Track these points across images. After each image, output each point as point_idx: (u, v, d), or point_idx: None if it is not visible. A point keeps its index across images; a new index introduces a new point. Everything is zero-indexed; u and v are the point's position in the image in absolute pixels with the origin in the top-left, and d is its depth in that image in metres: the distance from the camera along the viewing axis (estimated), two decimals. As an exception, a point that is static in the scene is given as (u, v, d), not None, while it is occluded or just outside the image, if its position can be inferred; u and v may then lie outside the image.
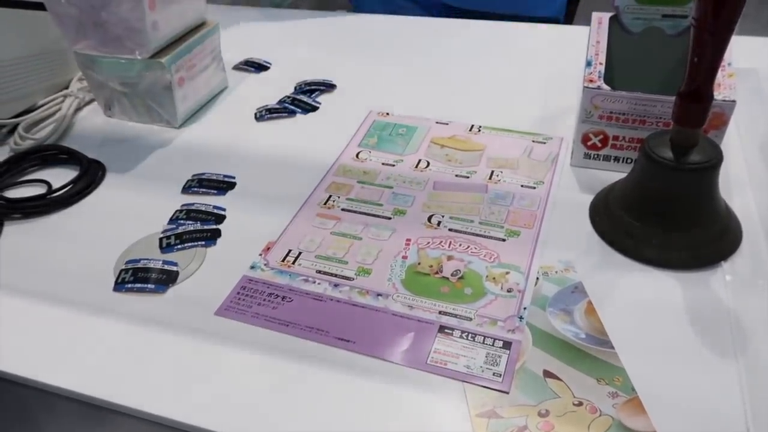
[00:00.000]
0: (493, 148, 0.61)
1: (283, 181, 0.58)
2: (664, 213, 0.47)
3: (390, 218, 0.53)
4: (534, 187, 0.55)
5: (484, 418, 0.37)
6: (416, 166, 0.59)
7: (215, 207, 0.55)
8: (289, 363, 0.41)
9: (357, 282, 0.47)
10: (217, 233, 0.52)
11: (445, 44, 0.83)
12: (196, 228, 0.52)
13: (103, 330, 0.45)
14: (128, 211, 0.56)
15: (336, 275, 0.47)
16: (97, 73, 0.66)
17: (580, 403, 0.38)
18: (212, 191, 0.57)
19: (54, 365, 0.42)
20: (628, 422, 0.37)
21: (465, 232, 0.51)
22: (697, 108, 0.44)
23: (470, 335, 0.42)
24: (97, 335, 0.44)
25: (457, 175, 0.57)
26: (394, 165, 0.59)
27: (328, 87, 0.73)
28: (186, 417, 0.39)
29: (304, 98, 0.70)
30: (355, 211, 0.54)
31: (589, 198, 0.54)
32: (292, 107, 0.69)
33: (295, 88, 0.73)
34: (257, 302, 0.46)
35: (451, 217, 0.52)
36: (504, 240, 0.50)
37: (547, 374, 0.39)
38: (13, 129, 0.66)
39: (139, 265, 0.49)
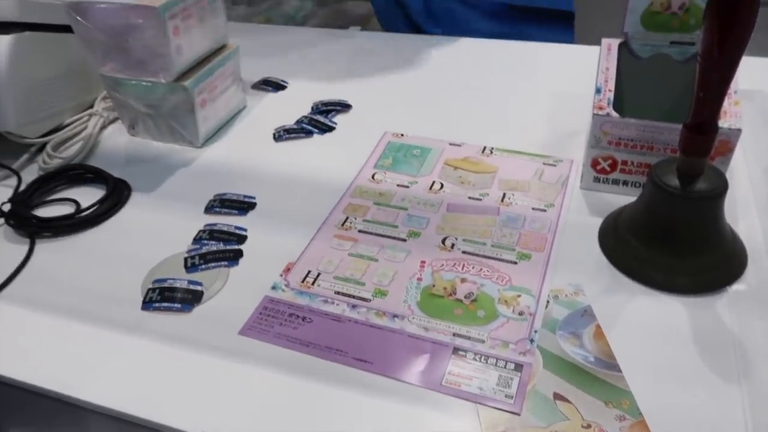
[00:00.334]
0: (505, 170, 0.63)
1: (302, 202, 0.60)
2: (671, 239, 0.49)
3: (405, 240, 0.55)
4: (545, 210, 0.57)
5: (497, 438, 0.39)
6: (430, 188, 0.61)
7: (237, 227, 0.57)
8: (308, 382, 0.43)
9: (374, 303, 0.49)
10: (239, 253, 0.54)
11: (457, 65, 0.84)
12: (219, 248, 0.55)
13: (132, 347, 0.47)
14: (154, 230, 0.58)
15: (354, 296, 0.49)
16: (122, 95, 0.68)
17: (589, 426, 0.39)
18: (234, 211, 0.59)
19: (83, 380, 0.45)
20: (634, 444, 0.38)
21: (478, 255, 0.53)
22: (702, 139, 0.45)
23: (483, 357, 0.44)
24: (125, 352, 0.47)
25: (470, 197, 0.59)
26: (408, 186, 0.61)
27: (344, 107, 0.75)
28: (212, 434, 0.41)
29: (321, 118, 0.73)
30: (371, 233, 0.56)
31: (598, 221, 0.55)
32: (309, 127, 0.72)
33: (312, 108, 0.75)
34: (279, 322, 0.48)
35: (464, 240, 0.54)
36: (516, 263, 0.52)
37: (557, 397, 0.41)
38: (42, 147, 0.69)
39: (166, 284, 0.51)
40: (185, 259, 0.54)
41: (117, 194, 0.62)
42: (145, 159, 0.69)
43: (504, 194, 0.59)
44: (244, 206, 0.60)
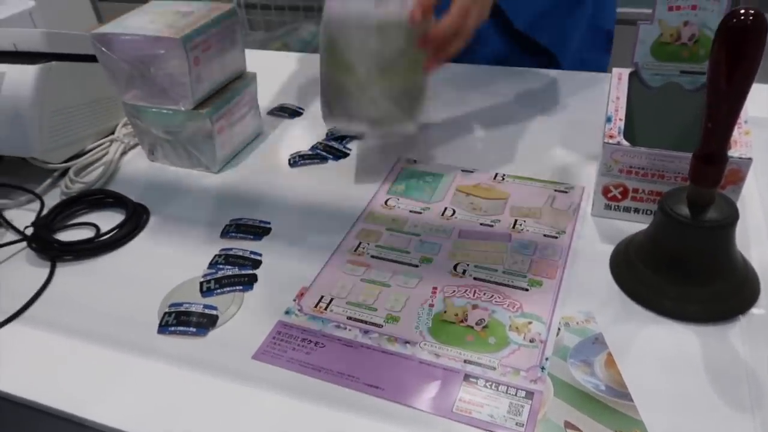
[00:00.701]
0: (517, 196, 0.63)
1: (316, 227, 0.61)
2: (682, 267, 0.49)
3: (417, 266, 0.55)
4: (556, 237, 0.58)
5: (507, 467, 0.39)
6: (442, 214, 0.62)
7: (252, 252, 0.58)
8: (320, 408, 0.44)
9: (386, 329, 0.49)
10: (253, 278, 0.55)
11: (469, 91, 0.86)
12: (235, 273, 0.56)
13: (147, 370, 0.48)
14: (171, 255, 0.60)
15: (366, 322, 0.50)
16: (143, 122, 0.70)
17: (600, 455, 0.39)
18: (249, 236, 0.61)
19: (100, 402, 0.46)
20: (646, 475, 0.38)
21: (489, 281, 0.53)
22: (712, 169, 0.46)
23: (494, 384, 0.44)
24: (140, 375, 0.47)
25: (481, 224, 0.60)
26: (421, 213, 0.62)
27: (358, 134, 0.76)
28: (226, 458, 0.41)
29: (336, 144, 0.74)
30: (384, 259, 0.56)
31: (609, 248, 0.56)
32: (324, 153, 0.73)
33: (327, 134, 0.77)
34: (292, 347, 0.48)
35: (476, 266, 0.55)
36: (527, 290, 0.52)
37: (568, 425, 0.41)
38: (65, 172, 0.71)
39: (182, 308, 0.52)
40: (201, 284, 0.55)
41: (136, 219, 0.63)
42: (163, 184, 0.71)
43: (516, 221, 0.60)
44: (259, 231, 0.61)
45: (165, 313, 0.52)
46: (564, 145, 0.72)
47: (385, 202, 0.64)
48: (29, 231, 0.62)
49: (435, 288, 0.53)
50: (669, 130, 0.59)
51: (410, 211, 0.62)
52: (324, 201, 0.66)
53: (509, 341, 0.47)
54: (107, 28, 0.66)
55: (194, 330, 0.50)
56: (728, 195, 0.51)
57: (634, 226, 0.57)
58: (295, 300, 0.53)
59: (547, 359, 0.46)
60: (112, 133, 0.77)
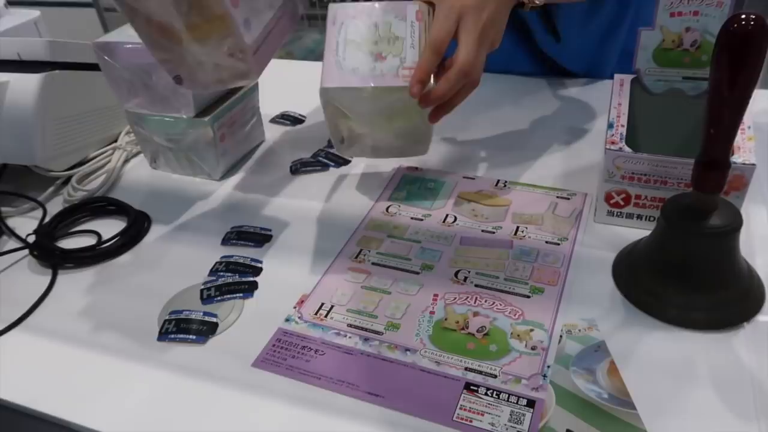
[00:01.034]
0: (519, 203, 0.63)
1: (317, 234, 0.61)
2: (685, 275, 0.49)
3: (418, 273, 0.55)
4: (558, 243, 0.57)
5: (508, 476, 0.39)
6: (444, 221, 0.61)
7: (252, 259, 0.58)
8: (320, 416, 0.44)
9: (386, 337, 0.49)
10: (254, 285, 0.55)
11: (471, 98, 0.85)
12: (235, 280, 0.55)
13: (146, 377, 0.48)
14: (172, 262, 0.59)
15: (366, 329, 0.50)
16: (145, 130, 0.70)
17: (602, 465, 0.39)
18: (250, 243, 0.60)
19: (99, 409, 0.45)
20: (649, 485, 0.37)
21: (490, 288, 0.53)
22: (715, 175, 0.46)
23: (495, 392, 0.44)
24: (141, 382, 0.47)
25: (483, 231, 0.60)
26: (422, 219, 0.62)
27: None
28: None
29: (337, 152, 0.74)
30: (384, 266, 0.56)
31: (612, 255, 0.55)
32: (326, 161, 0.73)
33: (329, 141, 0.77)
34: (291, 355, 0.48)
35: (477, 273, 0.54)
36: (528, 297, 0.52)
37: (570, 434, 0.41)
38: (67, 180, 0.71)
39: (182, 316, 0.52)
40: (201, 291, 0.54)
41: (137, 226, 0.63)
42: (165, 191, 0.71)
43: (517, 227, 0.59)
44: (260, 238, 0.61)
45: (165, 321, 0.52)
46: (566, 151, 0.71)
47: (387, 209, 0.64)
48: (31, 239, 0.62)
49: (436, 295, 0.52)
50: (671, 136, 0.59)
51: (411, 218, 0.62)
52: (325, 208, 0.65)
53: (510, 349, 0.47)
54: (109, 36, 0.66)
55: (194, 338, 0.50)
56: (732, 201, 0.51)
57: (637, 232, 0.56)
58: (295, 307, 0.52)
59: (548, 367, 0.45)
60: (115, 141, 0.77)
